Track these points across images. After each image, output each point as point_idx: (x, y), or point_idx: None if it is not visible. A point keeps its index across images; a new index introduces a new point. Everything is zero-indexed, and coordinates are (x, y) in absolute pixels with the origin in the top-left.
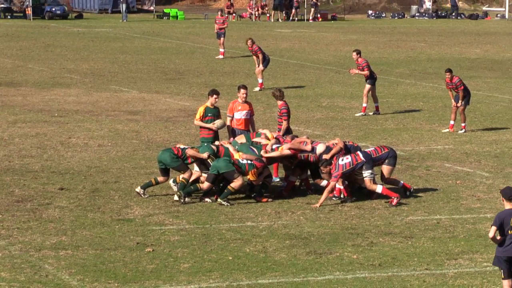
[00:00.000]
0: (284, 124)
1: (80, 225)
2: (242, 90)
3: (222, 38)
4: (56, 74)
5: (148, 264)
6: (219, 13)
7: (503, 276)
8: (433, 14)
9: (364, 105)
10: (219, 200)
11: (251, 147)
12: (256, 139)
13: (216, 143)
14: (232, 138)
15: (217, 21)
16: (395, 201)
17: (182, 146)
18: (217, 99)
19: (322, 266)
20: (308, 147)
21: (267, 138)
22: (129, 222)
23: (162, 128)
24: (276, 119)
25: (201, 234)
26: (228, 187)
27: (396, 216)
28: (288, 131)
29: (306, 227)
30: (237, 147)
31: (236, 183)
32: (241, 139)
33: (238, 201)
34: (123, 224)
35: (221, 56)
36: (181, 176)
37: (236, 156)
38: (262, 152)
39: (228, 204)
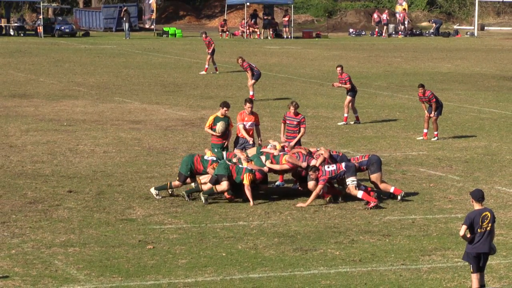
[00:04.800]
0: (303, 131)
1: (87, 224)
2: (248, 104)
3: (208, 56)
4: (65, 87)
5: (149, 260)
6: (203, 36)
7: (472, 271)
8: (409, 32)
9: (346, 115)
10: (201, 193)
11: (260, 157)
12: (264, 149)
13: (233, 159)
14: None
15: (205, 43)
16: (371, 204)
17: (207, 157)
18: (227, 111)
19: (307, 262)
20: (304, 164)
21: (275, 149)
22: (132, 221)
23: (161, 136)
24: (284, 129)
25: (197, 233)
26: (213, 187)
27: (375, 216)
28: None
29: (293, 226)
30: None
31: (221, 187)
32: (252, 151)
33: (231, 203)
34: (126, 223)
35: (203, 72)
36: (173, 182)
37: (245, 164)
38: (267, 163)
39: (206, 202)
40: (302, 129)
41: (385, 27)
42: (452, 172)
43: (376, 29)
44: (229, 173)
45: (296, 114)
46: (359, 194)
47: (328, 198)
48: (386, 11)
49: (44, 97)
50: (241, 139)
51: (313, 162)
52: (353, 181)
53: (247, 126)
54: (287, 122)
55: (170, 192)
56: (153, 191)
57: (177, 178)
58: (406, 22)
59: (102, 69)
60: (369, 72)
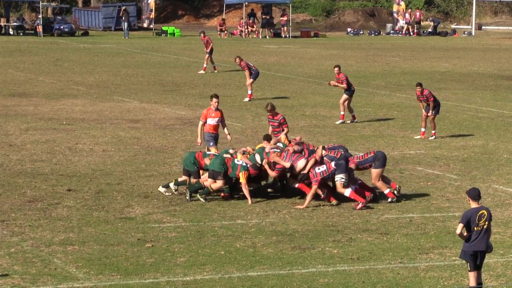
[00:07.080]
0: (286, 130)
1: (86, 223)
2: (214, 99)
3: (206, 55)
4: (64, 86)
5: (148, 258)
6: (201, 35)
7: (469, 269)
8: (406, 32)
9: (342, 113)
10: (198, 195)
11: (256, 154)
12: (267, 148)
13: (231, 151)
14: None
15: (203, 42)
16: (359, 205)
17: (208, 152)
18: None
19: (305, 260)
20: (288, 165)
21: (279, 149)
22: (131, 220)
23: (160, 135)
24: (270, 130)
25: (196, 231)
26: (208, 186)
27: (372, 214)
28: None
29: (291, 224)
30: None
31: (216, 185)
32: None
33: (229, 201)
34: (125, 222)
35: (202, 71)
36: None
37: (239, 157)
38: (263, 162)
39: (205, 201)
40: (285, 129)
41: (416, 25)
42: (450, 171)
43: (397, 27)
44: (225, 169)
45: (275, 115)
46: (347, 192)
47: (334, 202)
48: (418, 10)
49: (43, 96)
50: (206, 134)
51: (300, 163)
52: (342, 178)
53: (213, 122)
54: (270, 123)
55: (171, 192)
56: (161, 189)
57: (192, 177)
58: (403, 22)
59: (101, 68)
60: (367, 71)
